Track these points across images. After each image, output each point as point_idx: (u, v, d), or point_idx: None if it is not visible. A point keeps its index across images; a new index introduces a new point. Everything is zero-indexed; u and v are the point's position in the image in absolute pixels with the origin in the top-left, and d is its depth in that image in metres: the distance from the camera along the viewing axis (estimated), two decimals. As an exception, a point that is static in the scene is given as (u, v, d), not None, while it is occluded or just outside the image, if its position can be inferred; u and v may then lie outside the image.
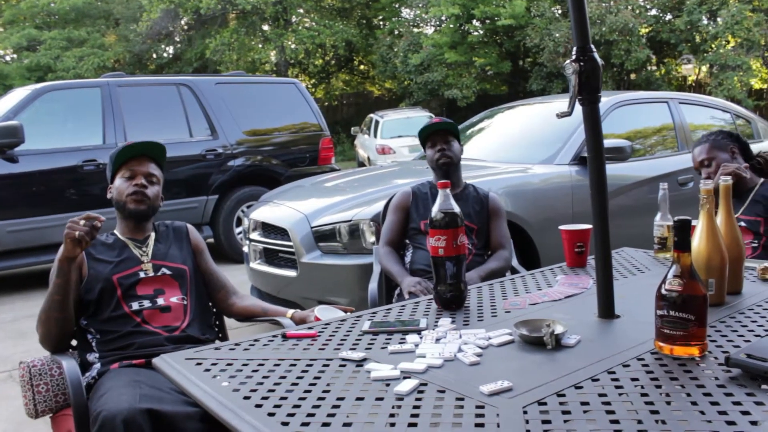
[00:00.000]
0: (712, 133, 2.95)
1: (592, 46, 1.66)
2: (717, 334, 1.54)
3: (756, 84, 19.80)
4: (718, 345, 1.46)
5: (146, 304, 2.16)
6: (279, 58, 24.86)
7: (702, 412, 1.12)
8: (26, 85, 7.36)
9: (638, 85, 19.77)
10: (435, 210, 1.87)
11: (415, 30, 24.40)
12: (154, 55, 27.73)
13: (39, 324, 2.07)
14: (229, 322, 2.53)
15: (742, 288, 1.89)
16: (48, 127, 6.35)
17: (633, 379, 1.29)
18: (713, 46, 18.62)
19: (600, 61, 1.67)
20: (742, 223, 2.62)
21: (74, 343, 2.20)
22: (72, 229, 1.93)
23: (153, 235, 2.32)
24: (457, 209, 1.86)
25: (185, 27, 26.72)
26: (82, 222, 1.94)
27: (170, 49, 28.30)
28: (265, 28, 25.24)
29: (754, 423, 1.08)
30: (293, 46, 24.36)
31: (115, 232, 2.30)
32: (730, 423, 1.08)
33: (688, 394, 1.20)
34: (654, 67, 21.11)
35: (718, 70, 18.45)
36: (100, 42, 25.45)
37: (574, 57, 1.66)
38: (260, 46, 25.28)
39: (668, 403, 1.18)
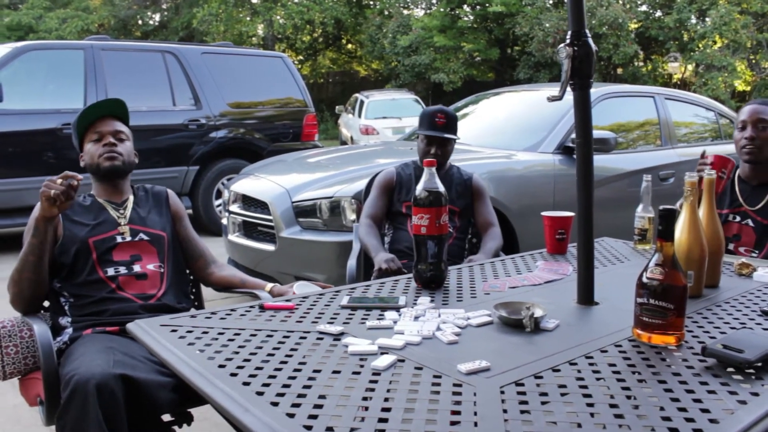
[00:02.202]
0: None
1: (587, 31, 1.65)
2: (694, 324, 1.55)
3: (740, 86, 19.98)
4: (695, 335, 1.47)
5: (122, 270, 2.12)
6: (267, 32, 24.59)
7: (677, 399, 1.13)
8: (6, 44, 7.20)
9: (624, 79, 19.86)
10: (419, 188, 1.85)
11: (405, 11, 24.28)
12: (140, 22, 27.32)
13: (11, 284, 2.03)
14: (206, 293, 2.51)
15: (720, 282, 1.91)
16: (28, 87, 6.22)
17: (610, 365, 1.29)
18: (700, 45, 18.75)
19: (594, 47, 1.66)
20: (750, 223, 2.51)
21: (46, 304, 2.16)
22: (48, 187, 1.88)
23: (131, 198, 2.28)
24: (441, 188, 1.85)
25: (173, -5, 26.34)
26: (59, 181, 1.90)
27: (156, 17, 27.91)
28: (254, 0, 24.92)
29: (727, 411, 1.08)
30: (281, 20, 24.07)
31: (93, 193, 2.26)
32: (705, 411, 1.09)
33: (664, 381, 1.21)
34: (641, 63, 21.24)
35: (703, 69, 18.61)
36: (85, 5, 24.99)
37: (568, 41, 1.65)
38: (248, 18, 24.96)
39: (644, 389, 1.19)
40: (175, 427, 2.01)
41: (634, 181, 4.34)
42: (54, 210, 1.92)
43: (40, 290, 2.06)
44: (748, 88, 20.19)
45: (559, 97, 1.66)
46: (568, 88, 1.66)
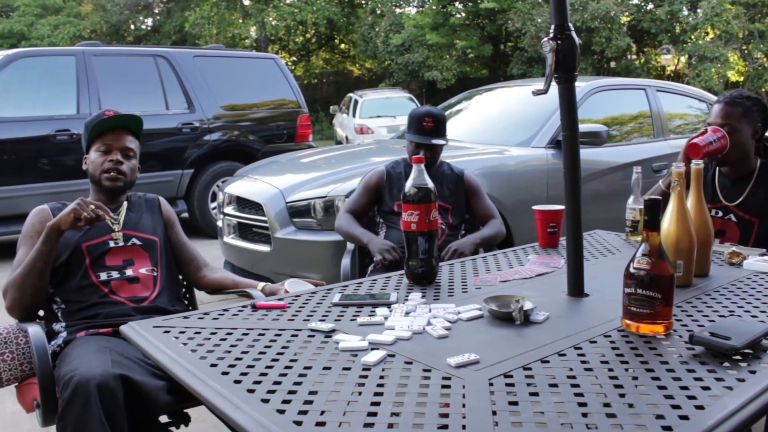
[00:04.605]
0: (747, 97, 2.46)
1: (570, 24, 1.66)
2: (683, 313, 1.56)
3: (733, 76, 20.00)
4: (683, 324, 1.48)
5: (114, 274, 2.13)
6: (259, 34, 24.57)
7: (664, 387, 1.14)
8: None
9: (618, 72, 19.87)
10: (408, 185, 1.86)
11: (397, 10, 24.27)
12: (132, 27, 27.27)
13: (11, 289, 2.03)
14: (200, 296, 2.52)
15: (710, 271, 1.92)
16: (20, 94, 6.22)
17: (599, 355, 1.30)
18: (693, 37, 18.77)
19: (577, 40, 1.66)
20: (733, 218, 2.48)
21: (41, 313, 2.17)
22: (81, 208, 1.96)
23: (125, 204, 2.30)
24: (430, 184, 1.86)
25: (164, -1, 26.31)
26: (92, 207, 1.98)
27: (149, 21, 27.87)
28: (246, 2, 24.88)
29: (713, 397, 1.10)
30: (274, 22, 24.06)
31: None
32: (691, 397, 1.10)
33: (652, 370, 1.22)
34: (634, 56, 21.23)
35: (696, 61, 18.62)
36: (77, 11, 24.93)
37: (551, 35, 1.65)
38: (240, 21, 24.91)
39: (632, 378, 1.20)
40: (173, 428, 2.02)
41: (627, 173, 4.35)
42: (71, 226, 1.98)
43: (40, 295, 2.07)
44: (741, 79, 20.21)
45: (544, 91, 1.67)
46: (553, 82, 1.67)
